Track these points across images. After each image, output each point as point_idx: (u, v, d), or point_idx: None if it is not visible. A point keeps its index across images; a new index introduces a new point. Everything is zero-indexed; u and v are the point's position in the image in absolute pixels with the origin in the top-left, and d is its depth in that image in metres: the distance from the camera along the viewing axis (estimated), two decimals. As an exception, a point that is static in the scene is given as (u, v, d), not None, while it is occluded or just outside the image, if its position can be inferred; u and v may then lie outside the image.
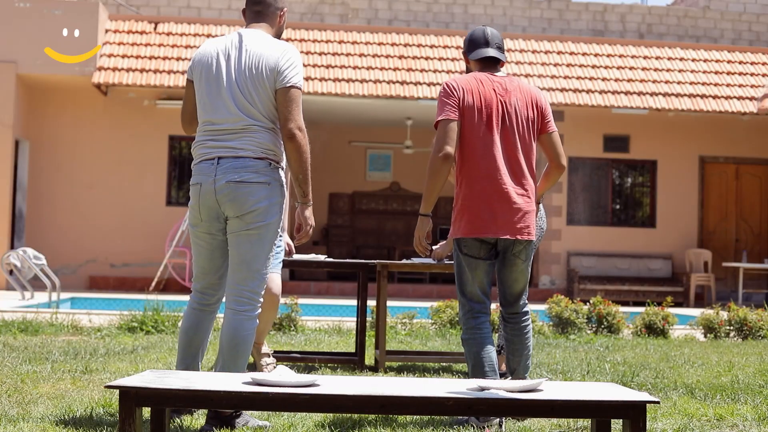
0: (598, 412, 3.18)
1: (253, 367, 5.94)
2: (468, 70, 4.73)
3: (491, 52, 4.59)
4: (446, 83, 4.47)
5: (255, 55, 4.21)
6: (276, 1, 4.39)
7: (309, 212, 4.37)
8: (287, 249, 6.07)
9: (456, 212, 4.50)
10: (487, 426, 4.43)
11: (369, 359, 7.10)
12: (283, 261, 6.71)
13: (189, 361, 4.38)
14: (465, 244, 4.47)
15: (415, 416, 4.49)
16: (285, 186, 4.34)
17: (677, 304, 14.92)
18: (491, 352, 4.50)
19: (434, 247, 5.93)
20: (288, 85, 4.18)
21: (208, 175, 4.20)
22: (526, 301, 4.72)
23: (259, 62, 4.19)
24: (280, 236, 5.85)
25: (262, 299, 4.27)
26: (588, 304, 9.92)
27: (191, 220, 4.34)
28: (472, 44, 4.65)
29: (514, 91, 4.52)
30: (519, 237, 4.46)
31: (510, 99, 4.49)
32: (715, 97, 16.32)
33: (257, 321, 4.26)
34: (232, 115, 4.20)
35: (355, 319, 7.25)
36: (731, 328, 9.70)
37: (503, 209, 4.42)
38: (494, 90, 4.49)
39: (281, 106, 4.18)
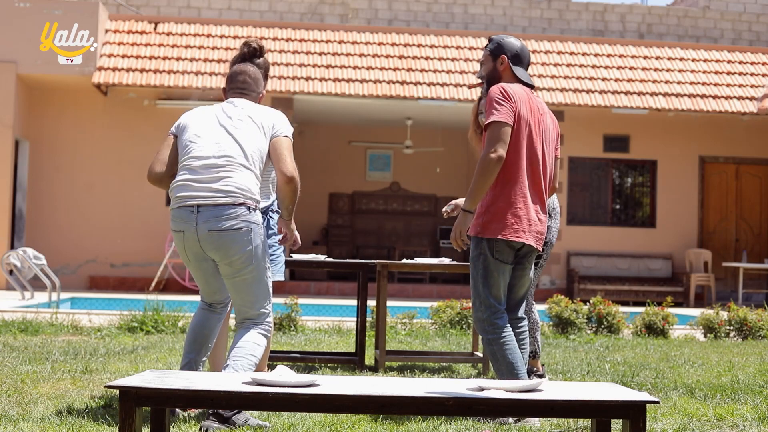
0: (598, 412, 3.18)
1: None
2: (494, 70, 4.78)
3: (528, 77, 4.79)
4: (503, 87, 4.53)
5: (250, 108, 4.51)
6: (258, 86, 4.65)
7: (292, 225, 4.57)
8: (295, 239, 6.10)
9: (491, 213, 4.55)
10: (487, 426, 4.43)
11: (369, 359, 7.10)
12: (285, 261, 6.70)
13: (192, 355, 4.49)
14: (498, 248, 4.56)
15: (414, 416, 4.49)
16: (263, 224, 4.46)
17: (677, 304, 14.92)
18: (518, 351, 4.62)
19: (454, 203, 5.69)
20: (284, 134, 4.45)
21: (189, 223, 4.32)
22: (524, 309, 4.92)
23: (255, 114, 4.48)
24: (275, 245, 5.90)
25: (270, 309, 4.46)
26: (588, 304, 9.92)
27: (182, 258, 4.52)
28: (519, 60, 4.76)
29: (547, 113, 4.75)
30: (538, 247, 4.67)
31: (545, 119, 4.70)
32: (715, 97, 16.32)
33: (269, 335, 4.42)
34: (218, 149, 4.37)
35: (355, 319, 7.25)
36: (731, 328, 9.70)
37: (538, 218, 4.60)
38: (538, 107, 4.67)
39: (278, 152, 4.41)
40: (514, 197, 4.52)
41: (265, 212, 4.83)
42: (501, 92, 4.51)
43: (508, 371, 4.55)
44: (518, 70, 4.72)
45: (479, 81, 4.88)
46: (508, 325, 4.63)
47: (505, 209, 4.52)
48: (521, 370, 4.56)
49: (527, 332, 4.82)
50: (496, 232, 4.52)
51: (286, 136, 4.44)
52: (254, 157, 4.39)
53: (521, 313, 4.81)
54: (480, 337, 4.89)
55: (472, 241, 4.62)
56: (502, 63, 4.73)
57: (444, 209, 5.68)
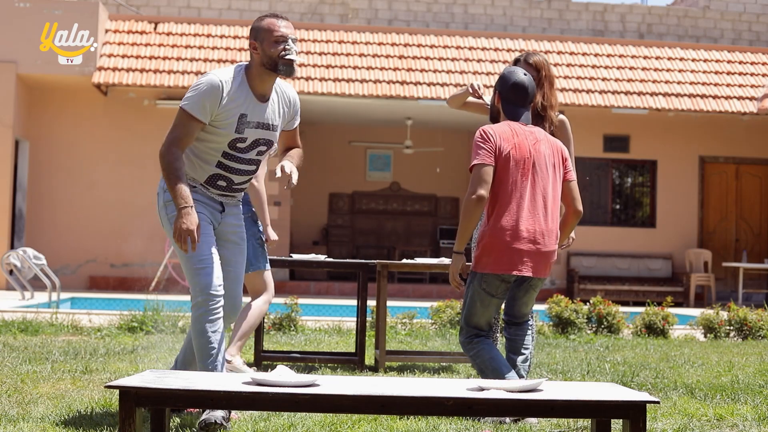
0: (598, 412, 3.18)
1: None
2: (492, 105, 4.92)
3: (528, 116, 4.82)
4: (483, 130, 4.68)
5: None
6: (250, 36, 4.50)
7: (183, 215, 4.35)
8: (266, 239, 6.12)
9: (481, 248, 4.69)
10: (487, 426, 4.43)
11: (369, 359, 7.10)
12: (285, 261, 6.69)
13: (190, 356, 4.57)
14: (486, 281, 4.69)
15: (414, 416, 4.49)
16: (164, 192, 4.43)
17: (677, 304, 14.92)
18: (498, 352, 4.76)
19: None
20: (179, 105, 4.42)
21: None
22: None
23: None
24: (259, 234, 5.95)
25: (195, 297, 4.35)
26: (588, 304, 9.91)
27: None
28: (519, 94, 4.78)
29: (543, 140, 4.76)
30: (540, 276, 4.74)
31: (540, 147, 4.72)
32: (715, 97, 16.32)
33: (192, 321, 4.39)
34: None
35: (355, 319, 7.25)
36: (731, 328, 9.70)
37: (529, 249, 4.66)
38: (527, 138, 4.71)
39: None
40: (504, 231, 4.62)
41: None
42: (480, 135, 4.67)
43: (492, 376, 4.65)
44: (510, 108, 4.79)
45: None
46: (487, 340, 4.78)
47: (495, 243, 4.63)
48: (505, 371, 4.65)
49: (529, 336, 4.92)
50: (486, 266, 4.67)
51: (179, 106, 4.35)
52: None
53: (525, 320, 4.96)
54: None
55: (470, 272, 4.78)
56: (497, 99, 4.85)
57: (476, 95, 5.78)
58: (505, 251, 4.62)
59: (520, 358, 4.85)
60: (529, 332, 4.93)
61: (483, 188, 4.58)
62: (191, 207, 4.21)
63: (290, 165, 4.42)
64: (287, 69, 4.32)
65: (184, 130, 4.29)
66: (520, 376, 4.77)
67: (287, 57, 4.31)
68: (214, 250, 4.36)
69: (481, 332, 4.78)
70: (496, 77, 5.81)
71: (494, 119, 4.93)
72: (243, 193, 4.77)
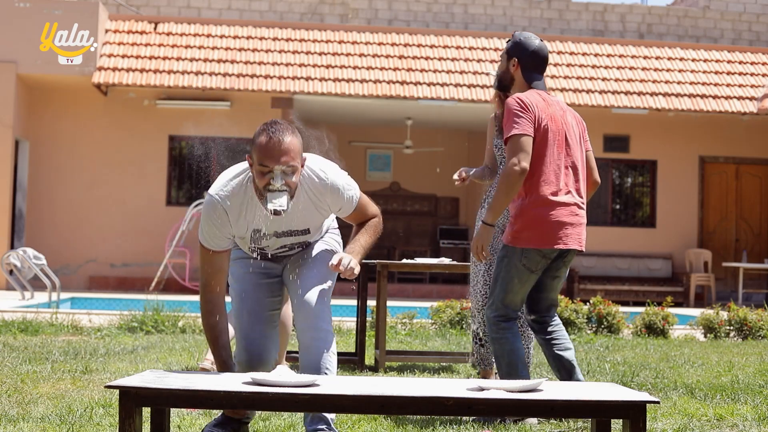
0: (598, 412, 3.18)
1: None
2: (506, 71, 4.72)
3: (545, 84, 4.72)
4: (519, 98, 4.47)
5: None
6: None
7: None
8: None
9: (521, 222, 4.48)
10: (487, 426, 4.43)
11: (369, 359, 7.10)
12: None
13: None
14: (527, 256, 4.48)
15: (415, 416, 4.49)
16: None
17: (677, 304, 14.92)
18: (522, 350, 4.59)
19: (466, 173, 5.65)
20: None
21: None
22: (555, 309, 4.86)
23: None
24: None
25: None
26: (588, 304, 9.91)
27: None
28: (538, 61, 4.66)
29: (567, 110, 4.68)
30: (578, 247, 4.56)
31: (567, 117, 4.63)
32: (715, 97, 16.32)
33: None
34: None
35: (355, 319, 7.25)
36: (731, 328, 9.70)
37: (570, 222, 4.51)
38: (557, 109, 4.60)
39: None
40: (544, 204, 4.45)
41: None
42: (519, 104, 4.45)
43: (507, 372, 4.54)
44: (531, 75, 4.64)
45: (493, 81, 4.82)
46: (515, 329, 4.59)
47: (537, 217, 4.45)
48: (522, 372, 4.53)
49: (563, 330, 4.69)
50: (529, 241, 4.46)
51: None
52: None
53: (554, 312, 4.72)
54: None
55: (504, 248, 4.55)
56: (513, 65, 4.65)
57: (455, 177, 5.66)
58: (549, 225, 4.44)
59: (569, 353, 4.59)
60: (562, 328, 4.71)
61: (525, 160, 4.38)
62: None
63: (348, 259, 3.83)
64: (266, 206, 3.64)
65: (211, 268, 3.80)
66: (578, 379, 4.55)
67: (270, 191, 3.63)
68: (262, 328, 3.97)
69: (512, 315, 4.57)
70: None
71: (505, 87, 4.75)
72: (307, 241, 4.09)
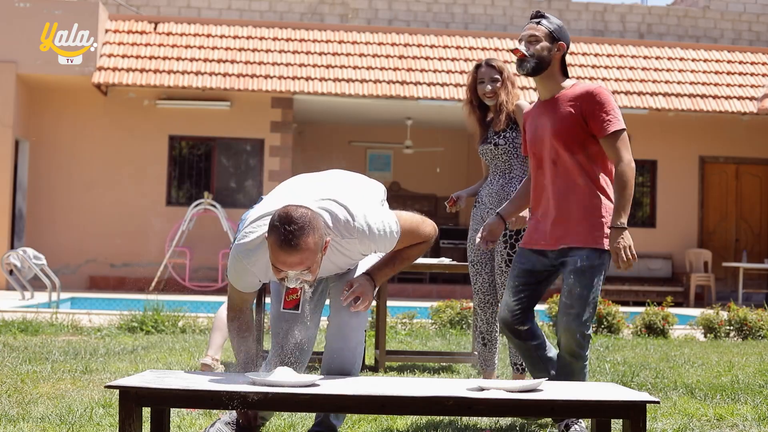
0: (598, 412, 3.18)
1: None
2: (549, 54, 4.29)
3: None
4: (608, 91, 4.21)
5: None
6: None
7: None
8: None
9: (603, 224, 4.13)
10: (487, 426, 4.43)
11: (369, 359, 7.10)
12: None
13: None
14: (608, 259, 4.15)
15: (415, 416, 4.49)
16: None
17: (677, 304, 14.92)
18: None
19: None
20: None
21: None
22: None
23: None
24: None
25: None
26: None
27: None
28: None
29: None
30: None
31: None
32: (715, 97, 16.32)
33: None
34: None
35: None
36: (731, 328, 9.70)
37: None
38: None
39: None
40: (609, 207, 4.18)
41: None
42: (612, 97, 4.17)
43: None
44: (564, 64, 4.38)
45: (522, 54, 4.26)
46: None
47: (607, 219, 4.15)
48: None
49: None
50: (607, 243, 4.14)
51: None
52: None
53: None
54: (577, 354, 4.19)
55: (591, 253, 4.12)
56: (558, 50, 4.30)
57: (452, 207, 5.68)
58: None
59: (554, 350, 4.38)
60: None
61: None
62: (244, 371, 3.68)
63: (359, 287, 3.70)
64: (279, 301, 3.67)
65: (237, 296, 3.72)
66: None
67: (286, 286, 3.55)
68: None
69: None
70: (503, 70, 5.71)
71: (538, 71, 4.28)
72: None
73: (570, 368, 4.17)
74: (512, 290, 4.26)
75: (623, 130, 4.11)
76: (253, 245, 3.53)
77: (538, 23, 4.29)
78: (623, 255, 4.00)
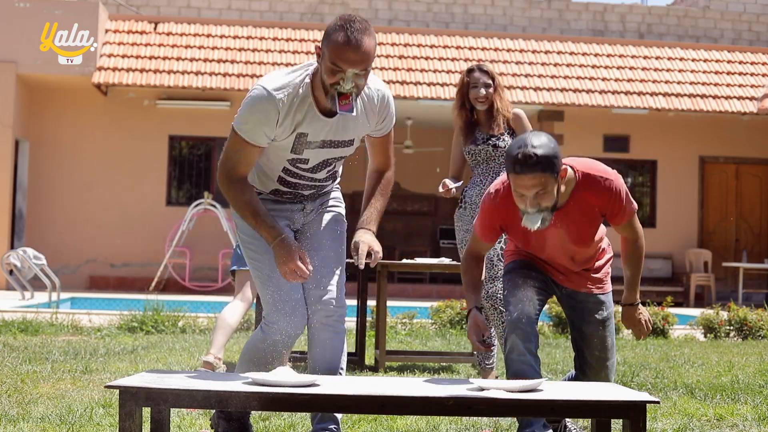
0: (598, 412, 3.18)
1: None
2: (559, 189, 3.75)
3: None
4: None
5: None
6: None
7: (274, 250, 3.69)
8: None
9: (609, 273, 4.16)
10: (487, 426, 4.43)
11: (369, 359, 7.10)
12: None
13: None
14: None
15: (415, 416, 4.49)
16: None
17: (677, 304, 14.92)
18: None
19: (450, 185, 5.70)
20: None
21: None
22: None
23: None
24: None
25: (263, 323, 3.85)
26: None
27: None
28: None
29: None
30: None
31: None
32: (715, 97, 16.32)
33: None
34: None
35: (355, 319, 7.25)
36: (731, 328, 9.70)
37: None
38: None
39: None
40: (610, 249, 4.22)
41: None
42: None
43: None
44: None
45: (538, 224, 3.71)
46: None
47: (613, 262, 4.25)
48: None
49: None
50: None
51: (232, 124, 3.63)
52: None
53: None
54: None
55: (606, 297, 4.10)
56: (563, 174, 3.74)
57: (441, 190, 5.72)
58: None
59: None
60: None
61: None
62: (283, 237, 3.56)
63: (366, 242, 3.76)
64: (333, 104, 3.46)
65: (239, 157, 3.56)
66: None
67: (338, 91, 3.44)
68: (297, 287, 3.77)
69: None
70: (495, 76, 5.80)
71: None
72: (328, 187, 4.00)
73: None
74: (534, 289, 4.01)
75: (636, 210, 3.98)
76: (283, 82, 3.50)
77: (535, 170, 3.59)
78: (644, 327, 4.04)
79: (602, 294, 4.09)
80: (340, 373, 3.81)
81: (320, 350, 3.83)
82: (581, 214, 3.86)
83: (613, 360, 4.12)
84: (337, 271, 3.93)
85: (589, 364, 4.10)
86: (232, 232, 14.28)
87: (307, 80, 3.54)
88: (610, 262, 4.19)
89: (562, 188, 3.74)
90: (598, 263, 4.11)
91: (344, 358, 3.89)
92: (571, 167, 3.82)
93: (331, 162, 3.82)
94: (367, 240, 3.79)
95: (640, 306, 4.04)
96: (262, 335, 3.78)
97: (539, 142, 3.63)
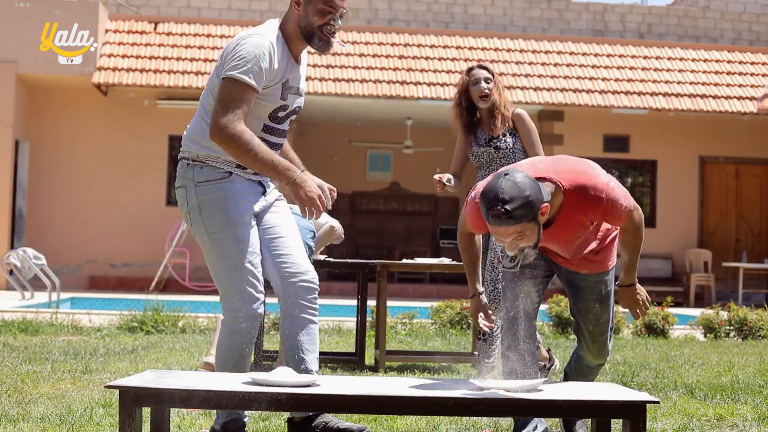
0: (598, 412, 3.18)
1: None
2: (540, 231, 3.63)
3: None
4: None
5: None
6: None
7: (301, 183, 3.70)
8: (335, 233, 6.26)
9: (613, 249, 4.10)
10: (487, 426, 4.43)
11: (369, 359, 7.10)
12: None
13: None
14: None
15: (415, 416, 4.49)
16: (199, 184, 3.77)
17: (677, 304, 14.91)
18: None
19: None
20: (224, 75, 3.70)
21: None
22: None
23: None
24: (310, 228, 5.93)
25: (225, 314, 3.81)
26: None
27: None
28: None
29: None
30: None
31: None
32: (715, 97, 16.32)
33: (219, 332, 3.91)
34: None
35: (355, 319, 7.25)
36: (731, 328, 9.70)
37: None
38: None
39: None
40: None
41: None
42: None
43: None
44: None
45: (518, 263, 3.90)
46: None
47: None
48: None
49: None
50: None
51: (226, 77, 3.66)
52: (207, 106, 3.78)
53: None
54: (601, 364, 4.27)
55: (607, 275, 4.09)
56: (543, 213, 3.51)
57: (441, 189, 5.69)
58: None
59: None
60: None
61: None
62: (302, 171, 3.73)
63: (321, 183, 3.91)
64: (322, 45, 3.81)
65: (238, 104, 3.62)
66: None
67: (328, 33, 3.84)
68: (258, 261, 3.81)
69: None
70: (495, 73, 5.81)
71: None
72: None
73: (593, 372, 4.26)
74: (532, 280, 4.02)
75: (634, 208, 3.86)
76: (269, 31, 3.89)
77: (510, 220, 3.43)
78: (643, 307, 3.99)
79: (603, 272, 4.07)
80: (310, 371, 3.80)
81: (297, 327, 3.84)
82: (570, 229, 3.80)
83: (607, 336, 4.10)
84: (305, 251, 4.02)
85: (584, 335, 4.16)
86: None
87: (279, 30, 3.91)
88: (615, 243, 4.11)
89: (546, 215, 3.57)
90: (599, 247, 4.07)
91: (316, 356, 3.89)
92: (557, 183, 3.65)
93: (297, 111, 3.98)
94: (320, 182, 3.94)
95: (638, 285, 4.02)
96: (227, 332, 3.81)
97: (511, 192, 3.40)
